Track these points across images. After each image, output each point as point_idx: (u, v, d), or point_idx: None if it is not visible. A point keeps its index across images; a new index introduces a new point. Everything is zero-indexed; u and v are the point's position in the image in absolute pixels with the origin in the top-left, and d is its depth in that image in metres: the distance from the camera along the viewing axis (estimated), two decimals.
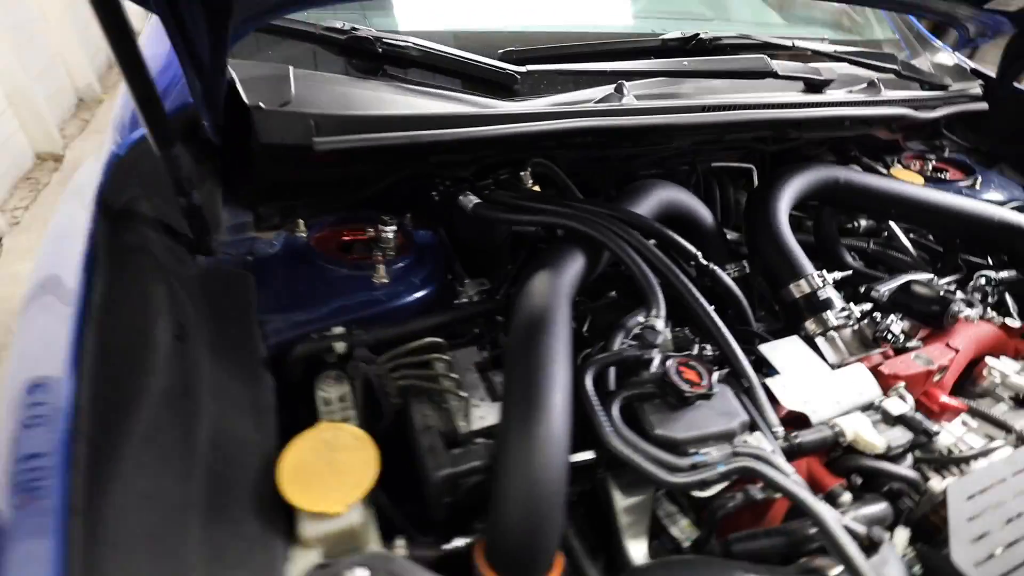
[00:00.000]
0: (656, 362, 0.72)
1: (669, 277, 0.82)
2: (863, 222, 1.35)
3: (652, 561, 0.67)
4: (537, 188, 1.03)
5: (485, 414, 0.69)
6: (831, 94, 1.18)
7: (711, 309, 0.80)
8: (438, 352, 0.72)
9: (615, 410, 0.67)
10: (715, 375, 0.70)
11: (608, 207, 0.91)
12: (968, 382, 0.97)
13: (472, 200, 0.93)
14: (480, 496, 0.67)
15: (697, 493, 0.64)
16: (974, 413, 0.85)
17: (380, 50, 0.94)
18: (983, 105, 1.40)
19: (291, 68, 0.85)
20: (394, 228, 0.90)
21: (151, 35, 1.00)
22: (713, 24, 1.36)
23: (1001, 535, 0.65)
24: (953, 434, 0.81)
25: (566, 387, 0.65)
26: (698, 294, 0.81)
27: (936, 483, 0.75)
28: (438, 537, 0.63)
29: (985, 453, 0.76)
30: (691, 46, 1.13)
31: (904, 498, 0.74)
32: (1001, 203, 1.38)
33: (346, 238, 0.92)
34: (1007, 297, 1.12)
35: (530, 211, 0.90)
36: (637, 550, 0.71)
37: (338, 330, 0.75)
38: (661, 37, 1.13)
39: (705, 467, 0.62)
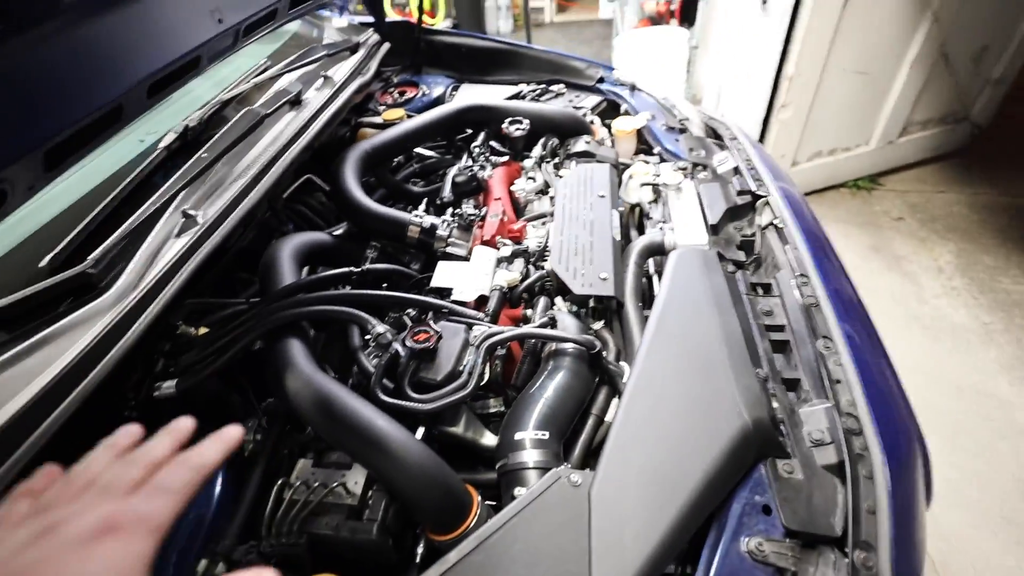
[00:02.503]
0: (400, 350, 1.00)
1: (350, 300, 1.07)
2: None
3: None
4: (203, 329, 1.07)
5: (356, 477, 0.87)
6: (316, 96, 1.48)
7: (390, 293, 1.10)
8: (287, 485, 0.84)
9: (411, 393, 0.94)
10: (432, 323, 1.03)
11: (271, 296, 1.07)
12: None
13: (170, 386, 0.95)
14: (402, 517, 0.89)
15: (483, 382, 0.99)
16: (529, 219, 1.43)
17: None
18: (386, 44, 1.93)
19: None
20: None
21: None
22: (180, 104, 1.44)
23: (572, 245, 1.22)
24: (534, 239, 1.37)
25: (377, 412, 0.87)
26: (376, 292, 1.09)
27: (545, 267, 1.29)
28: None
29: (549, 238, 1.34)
30: (189, 139, 1.24)
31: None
32: (444, 92, 2.02)
33: None
34: (493, 144, 1.76)
35: (226, 348, 0.98)
36: (487, 438, 1.06)
37: (203, 564, 0.77)
38: (160, 147, 1.20)
39: (472, 367, 0.97)
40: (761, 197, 1.43)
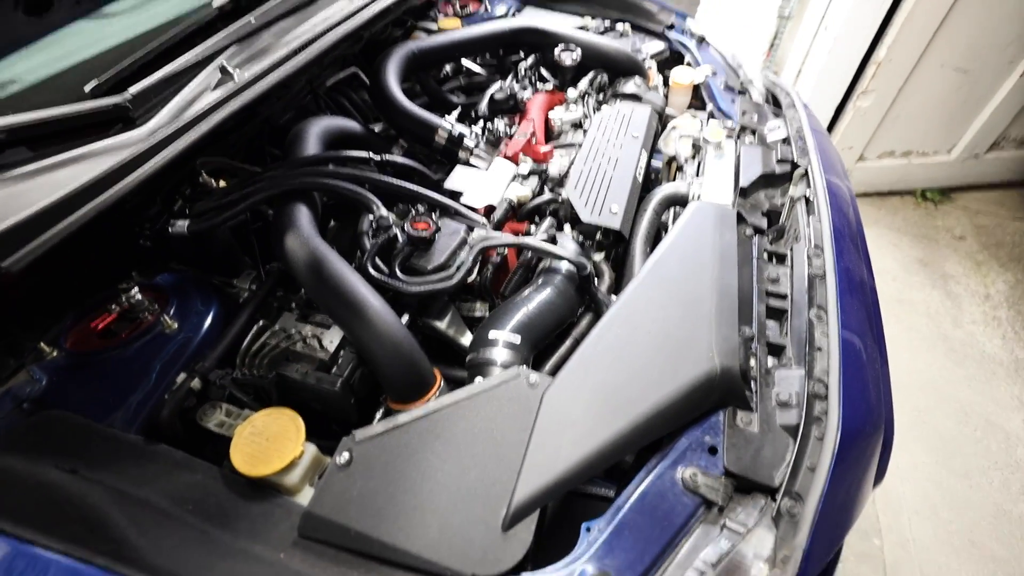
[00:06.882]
0: (399, 234, 1.03)
1: (363, 181, 1.10)
2: (448, 68, 1.80)
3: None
4: (223, 183, 1.14)
5: (332, 337, 0.93)
6: None
7: (401, 182, 1.13)
8: (266, 330, 0.90)
9: (399, 273, 0.98)
10: (435, 215, 1.06)
11: (290, 163, 1.11)
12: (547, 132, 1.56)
13: (183, 224, 1.02)
14: (369, 383, 0.95)
15: (469, 280, 1.02)
16: (557, 146, 1.42)
17: None
18: None
19: None
20: (136, 287, 0.95)
21: None
22: None
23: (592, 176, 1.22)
24: (557, 165, 1.36)
25: (363, 282, 0.92)
26: (388, 178, 1.12)
27: (561, 192, 1.30)
28: None
29: (571, 165, 1.33)
30: (243, 3, 1.27)
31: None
32: (506, 12, 1.97)
33: (100, 327, 0.94)
34: (542, 71, 1.72)
35: (238, 201, 1.04)
36: (467, 338, 1.10)
37: (181, 377, 0.85)
38: (215, 6, 1.23)
39: (463, 263, 1.00)
40: (799, 167, 1.37)
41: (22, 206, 0.82)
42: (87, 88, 1.01)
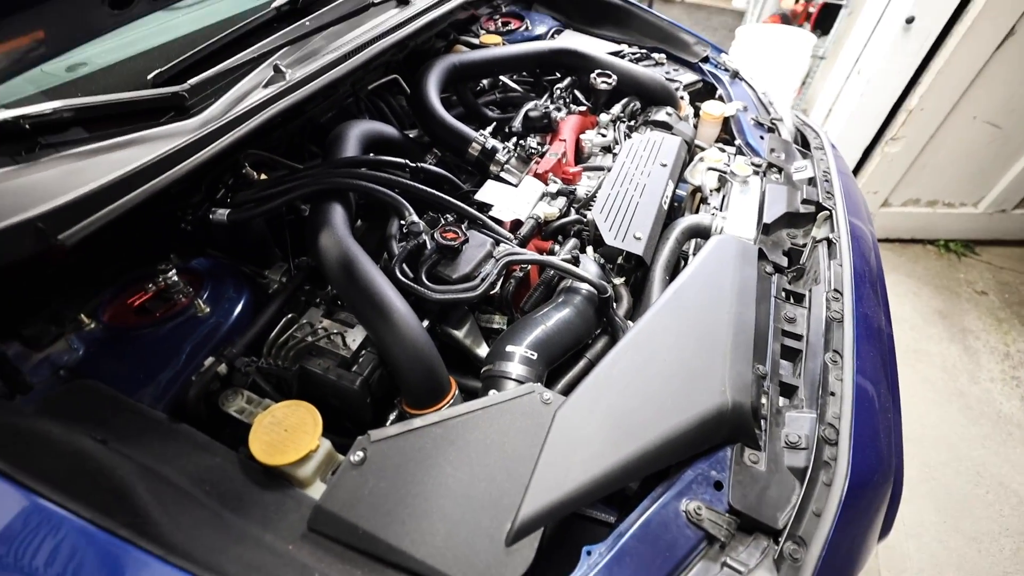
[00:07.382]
0: (428, 241, 1.06)
1: (397, 186, 1.14)
2: (484, 82, 1.84)
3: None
4: (263, 176, 1.18)
5: (356, 336, 0.95)
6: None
7: (435, 192, 1.16)
8: (294, 323, 0.93)
9: (425, 280, 1.01)
10: (464, 226, 1.08)
11: (329, 163, 1.15)
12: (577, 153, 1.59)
13: (223, 212, 1.05)
14: (386, 385, 0.97)
15: (491, 292, 1.04)
16: (586, 168, 1.44)
17: (28, 126, 0.91)
18: None
19: None
20: (174, 269, 0.98)
21: None
22: None
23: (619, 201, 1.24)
24: (584, 186, 1.38)
25: (390, 285, 0.95)
26: (423, 187, 1.16)
27: (587, 214, 1.32)
28: None
29: (599, 188, 1.35)
30: (300, 6, 1.32)
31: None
32: (546, 32, 2.01)
33: (136, 303, 0.97)
34: (576, 93, 1.76)
35: (277, 195, 1.08)
36: (483, 349, 1.12)
37: (209, 360, 0.88)
38: (273, 7, 1.28)
39: (487, 275, 1.03)
40: (824, 209, 1.38)
41: (79, 183, 0.86)
42: (149, 76, 1.05)
